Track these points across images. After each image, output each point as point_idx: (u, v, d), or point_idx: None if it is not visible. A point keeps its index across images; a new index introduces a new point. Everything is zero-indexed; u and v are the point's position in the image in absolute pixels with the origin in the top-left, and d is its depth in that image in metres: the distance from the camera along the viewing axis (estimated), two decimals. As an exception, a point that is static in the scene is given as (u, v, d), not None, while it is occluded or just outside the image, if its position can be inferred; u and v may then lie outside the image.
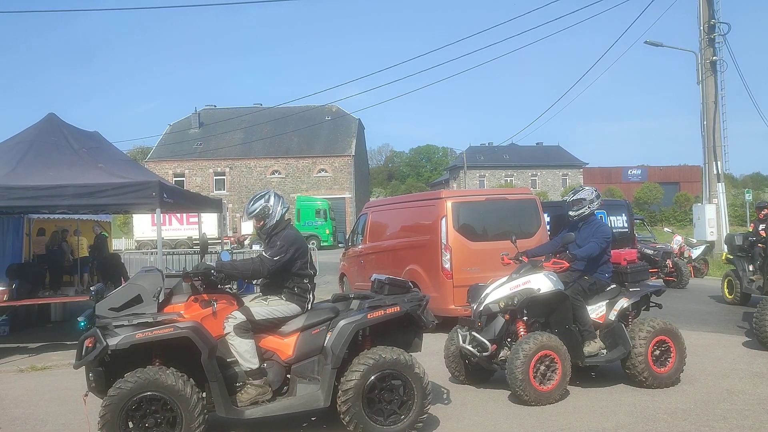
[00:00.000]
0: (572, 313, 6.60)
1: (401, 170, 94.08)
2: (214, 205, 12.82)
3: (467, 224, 10.25)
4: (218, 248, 15.76)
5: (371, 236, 12.64)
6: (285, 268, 5.38)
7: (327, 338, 5.27)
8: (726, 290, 12.96)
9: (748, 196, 32.53)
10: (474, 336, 6.52)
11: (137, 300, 5.04)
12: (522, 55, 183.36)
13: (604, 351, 6.70)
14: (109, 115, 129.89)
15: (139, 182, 8.89)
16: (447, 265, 9.96)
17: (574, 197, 7.11)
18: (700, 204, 22.78)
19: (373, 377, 5.13)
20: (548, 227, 12.50)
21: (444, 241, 10.02)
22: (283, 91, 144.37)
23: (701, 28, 20.89)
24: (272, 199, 5.57)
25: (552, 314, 6.64)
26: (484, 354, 6.45)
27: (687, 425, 5.49)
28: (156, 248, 11.80)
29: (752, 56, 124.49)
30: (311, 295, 5.57)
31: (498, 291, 6.57)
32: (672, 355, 6.71)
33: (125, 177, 9.17)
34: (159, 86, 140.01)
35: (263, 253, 5.34)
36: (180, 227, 40.10)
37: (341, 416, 5.12)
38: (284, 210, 5.59)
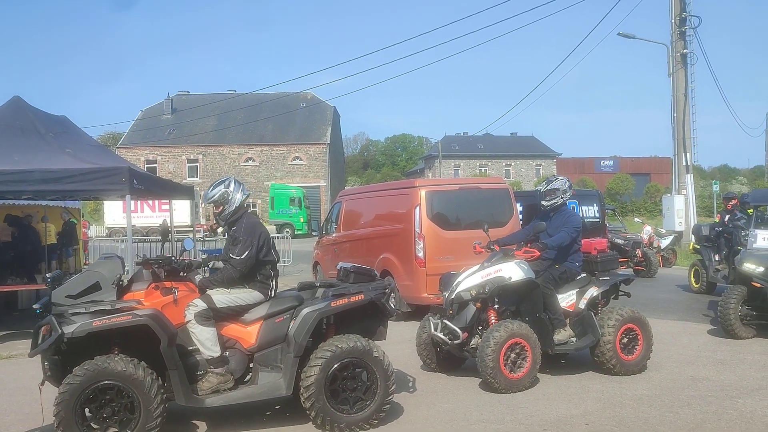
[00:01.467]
0: (543, 301, 6.67)
1: (377, 159, 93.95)
2: (186, 192, 12.68)
3: (441, 213, 10.28)
4: (190, 236, 15.60)
5: (345, 225, 12.61)
6: (256, 260, 5.35)
7: (290, 326, 5.24)
8: (693, 279, 13.22)
9: (716, 188, 33.17)
10: (445, 324, 6.55)
11: (96, 287, 4.95)
12: (497, 46, 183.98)
13: (574, 339, 6.78)
14: (79, 99, 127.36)
15: (108, 168, 8.74)
16: (420, 254, 9.98)
17: (548, 187, 7.14)
18: (669, 195, 23.17)
19: (335, 366, 5.11)
20: (521, 216, 12.62)
21: (417, 229, 10.04)
22: (257, 77, 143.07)
23: (673, 20, 21.15)
24: (232, 185, 5.53)
25: (523, 302, 6.70)
26: (456, 342, 6.49)
27: (653, 411, 5.60)
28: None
29: (721, 50, 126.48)
30: (274, 282, 5.52)
31: (470, 279, 6.59)
32: (639, 343, 6.82)
33: (94, 162, 9.01)
34: (131, 71, 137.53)
35: (231, 256, 5.26)
36: (152, 214, 39.52)
37: (304, 405, 5.11)
38: (244, 197, 5.56)
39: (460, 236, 9.87)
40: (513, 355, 6.22)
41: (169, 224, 6.49)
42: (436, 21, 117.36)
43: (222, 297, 5.21)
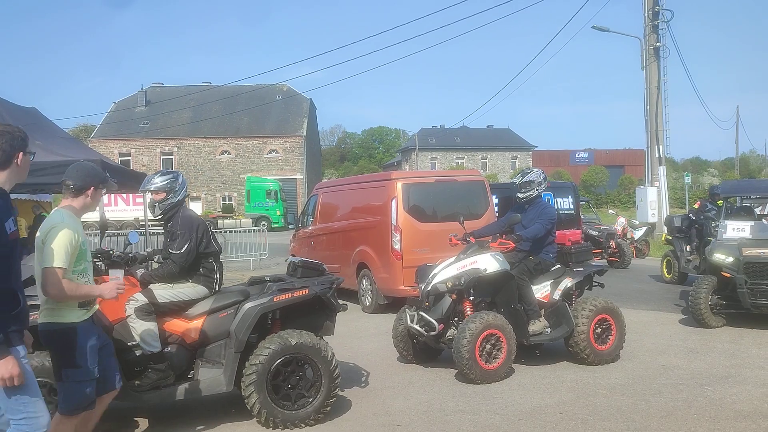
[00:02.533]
0: (518, 292, 6.73)
1: (354, 151, 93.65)
2: (160, 185, 12.51)
3: (417, 205, 10.31)
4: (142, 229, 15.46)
5: (321, 217, 12.59)
6: (197, 253, 5.25)
7: (233, 322, 5.17)
8: (665, 270, 13.44)
9: (688, 180, 33.67)
10: (422, 316, 6.57)
11: (30, 281, 4.85)
12: (473, 38, 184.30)
13: (548, 329, 6.85)
14: (50, 91, 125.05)
15: (79, 161, 8.59)
16: (397, 246, 10.00)
17: (524, 179, 7.17)
18: (642, 187, 23.49)
19: (277, 362, 5.03)
20: (496, 209, 12.70)
21: (394, 222, 10.06)
22: (232, 69, 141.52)
23: (646, 14, 21.40)
24: (180, 178, 5.50)
25: (498, 294, 6.75)
26: (432, 333, 6.52)
27: (625, 399, 5.69)
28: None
29: (693, 43, 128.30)
30: (218, 275, 5.39)
31: (445, 271, 6.61)
32: (612, 332, 6.92)
33: (65, 155, 8.83)
34: (103, 63, 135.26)
35: (170, 251, 5.18)
36: (126, 208, 39.08)
37: (245, 401, 5.04)
38: (186, 195, 5.52)
39: (436, 228, 9.91)
40: (488, 346, 6.26)
41: (107, 218, 6.42)
42: (412, 13, 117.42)
43: (164, 292, 5.10)
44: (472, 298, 6.67)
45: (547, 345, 7.21)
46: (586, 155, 67.72)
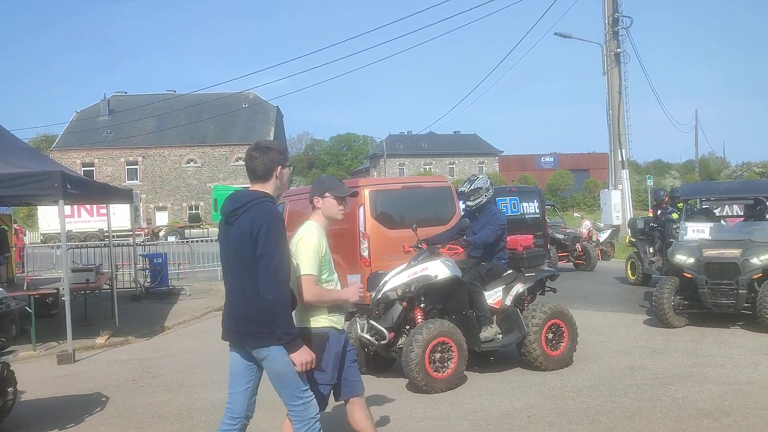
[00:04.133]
0: (469, 298, 6.64)
1: (322, 158, 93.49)
2: (124, 195, 12.32)
3: (384, 212, 10.31)
4: (130, 240, 15.20)
5: (289, 225, 12.36)
6: None
7: None
8: (629, 272, 13.67)
9: (650, 182, 34.34)
10: (371, 324, 6.42)
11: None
12: (438, 45, 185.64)
13: (500, 336, 6.77)
14: (7, 101, 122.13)
15: (39, 172, 8.40)
16: (365, 253, 9.98)
17: (471, 187, 7.10)
18: (606, 190, 23.90)
19: None
20: (463, 214, 12.77)
21: (362, 229, 10.04)
22: (197, 77, 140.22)
23: (606, 21, 21.83)
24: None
25: (449, 301, 6.66)
26: (382, 342, 6.39)
27: (592, 401, 5.76)
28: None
29: (653, 49, 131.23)
30: None
31: (396, 278, 6.49)
32: (564, 337, 6.90)
33: (23, 167, 8.64)
34: (64, 71, 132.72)
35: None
36: (90, 219, 38.37)
37: None
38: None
39: (404, 235, 9.85)
40: (438, 355, 6.19)
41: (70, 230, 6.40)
42: (378, 21, 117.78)
43: None
44: (423, 305, 6.56)
45: (501, 351, 7.19)
46: (552, 159, 68.66)
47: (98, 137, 52.79)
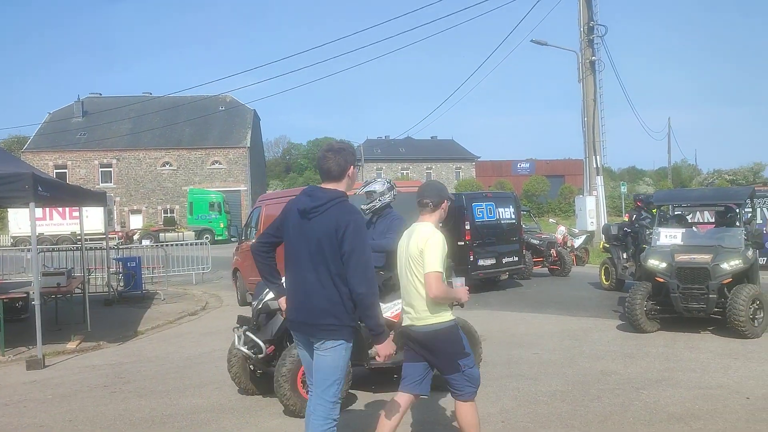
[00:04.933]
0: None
1: (299, 162, 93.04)
2: (97, 198, 12.15)
3: None
4: (103, 244, 14.99)
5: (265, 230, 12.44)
6: None
7: None
8: (603, 277, 13.82)
9: (624, 189, 34.86)
10: (248, 336, 5.89)
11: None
12: (416, 50, 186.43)
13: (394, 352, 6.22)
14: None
15: (8, 174, 8.25)
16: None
17: (365, 189, 6.63)
18: (581, 196, 24.16)
19: None
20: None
21: None
22: (174, 79, 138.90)
23: (581, 29, 22.09)
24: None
25: None
26: (260, 356, 5.85)
27: (565, 406, 5.81)
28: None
29: (627, 58, 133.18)
30: None
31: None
32: None
33: (-6, 169, 8.48)
34: (36, 71, 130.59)
35: None
36: (62, 222, 37.82)
37: None
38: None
39: (380, 240, 9.91)
40: None
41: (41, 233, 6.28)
42: (356, 25, 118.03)
43: None
44: None
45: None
46: (528, 165, 69.21)
47: (71, 139, 51.95)
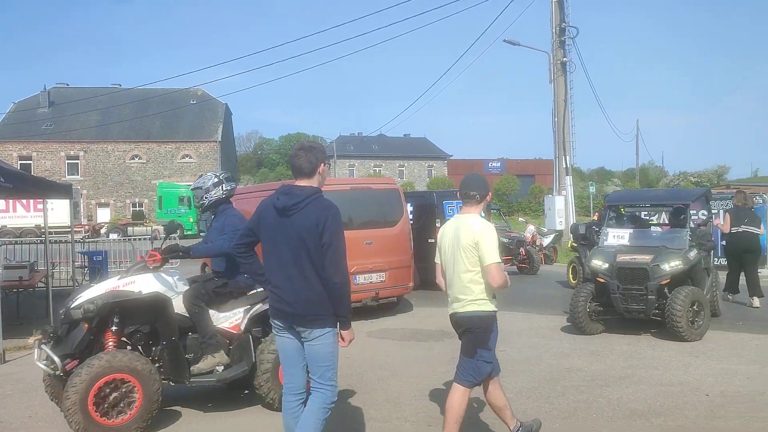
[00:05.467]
0: (196, 320, 5.54)
1: (271, 158, 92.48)
2: (62, 190, 11.90)
3: None
4: (68, 237, 14.71)
5: (234, 225, 12.33)
6: None
7: None
8: (571, 276, 14.00)
9: (592, 189, 35.32)
10: (42, 350, 5.26)
11: None
12: (390, 47, 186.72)
13: (221, 367, 5.60)
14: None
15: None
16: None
17: (192, 186, 6.21)
18: (551, 195, 24.43)
19: None
20: (411, 216, 12.87)
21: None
22: (144, 71, 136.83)
23: (553, 30, 22.31)
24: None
25: (158, 322, 5.55)
26: (58, 372, 5.17)
27: (531, 402, 5.88)
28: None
29: (598, 60, 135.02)
30: None
31: (89, 292, 5.39)
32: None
33: (-46, 159, 8.26)
34: (0, 59, 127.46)
35: None
36: (26, 214, 36.98)
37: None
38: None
39: (351, 236, 9.76)
40: (114, 395, 5.01)
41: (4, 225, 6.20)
42: (330, 20, 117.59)
43: None
44: (115, 328, 5.35)
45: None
46: (499, 165, 69.73)
47: (37, 130, 50.86)
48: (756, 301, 10.81)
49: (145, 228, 37.33)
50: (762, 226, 11.52)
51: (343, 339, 3.99)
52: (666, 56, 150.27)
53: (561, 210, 22.72)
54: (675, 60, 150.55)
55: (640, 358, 7.48)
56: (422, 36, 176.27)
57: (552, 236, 19.86)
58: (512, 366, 7.21)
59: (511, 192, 57.19)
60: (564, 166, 22.86)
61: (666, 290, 8.50)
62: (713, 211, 16.58)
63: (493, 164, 69.86)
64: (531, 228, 19.18)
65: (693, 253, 8.84)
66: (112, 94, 50.63)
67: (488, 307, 4.49)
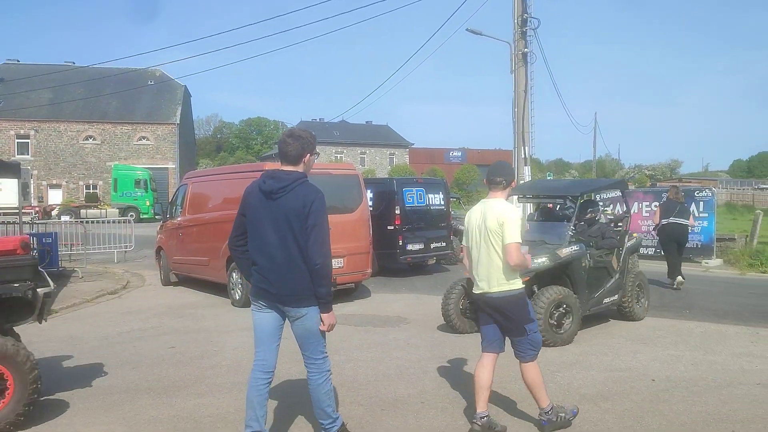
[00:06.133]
0: None
1: (230, 142, 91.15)
2: (9, 169, 11.48)
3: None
4: (17, 218, 14.25)
5: (191, 208, 12.15)
6: None
7: None
8: (526, 264, 14.11)
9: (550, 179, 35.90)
10: None
11: None
12: (354, 33, 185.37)
13: None
14: None
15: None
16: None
17: None
18: (509, 185, 24.67)
19: None
20: (371, 203, 12.86)
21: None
22: (99, 50, 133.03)
23: (515, 20, 22.41)
24: None
25: None
26: None
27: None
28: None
29: (558, 52, 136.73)
30: None
31: None
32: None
33: None
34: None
35: None
36: (-28, 194, 35.68)
37: None
38: None
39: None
40: None
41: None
42: (293, 3, 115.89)
43: None
44: None
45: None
46: (460, 154, 70.21)
47: (-15, 107, 49.12)
48: (678, 279, 11.88)
49: (99, 210, 36.39)
50: (692, 217, 12.61)
51: (323, 323, 4.10)
52: (624, 51, 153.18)
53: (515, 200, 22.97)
54: (633, 55, 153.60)
55: (591, 345, 7.64)
56: (386, 23, 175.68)
57: (509, 225, 20.09)
58: (466, 351, 7.29)
59: (471, 181, 57.71)
60: (523, 156, 23.07)
61: (535, 288, 7.76)
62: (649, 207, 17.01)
63: (454, 153, 70.30)
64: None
65: (567, 250, 7.96)
66: (65, 72, 49.01)
67: (516, 285, 4.75)
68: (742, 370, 6.62)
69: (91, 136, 50.66)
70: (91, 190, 49.48)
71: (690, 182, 47.58)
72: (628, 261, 9.22)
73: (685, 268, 15.71)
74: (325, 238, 4.02)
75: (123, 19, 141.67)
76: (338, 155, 69.65)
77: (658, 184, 42.89)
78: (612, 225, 9.64)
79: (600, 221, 9.23)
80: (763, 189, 58.22)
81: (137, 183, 41.20)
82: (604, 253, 8.71)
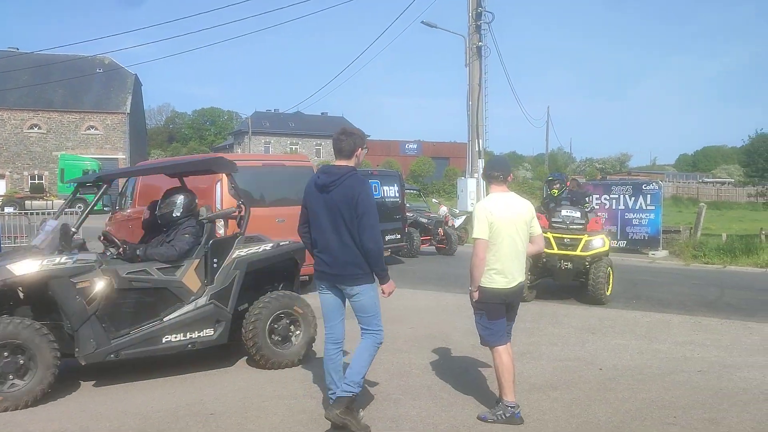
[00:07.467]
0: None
1: (183, 132, 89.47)
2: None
3: (243, 189, 10.02)
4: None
5: (141, 200, 11.87)
6: None
7: None
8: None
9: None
10: None
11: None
12: (309, 23, 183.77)
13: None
14: None
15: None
16: (221, 231, 9.66)
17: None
18: (463, 178, 24.94)
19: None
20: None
21: (219, 206, 9.74)
22: (45, 35, 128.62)
23: (470, 14, 22.62)
24: None
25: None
26: None
27: (435, 379, 6.03)
28: None
29: (512, 47, 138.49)
30: None
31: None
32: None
33: None
34: None
35: None
36: None
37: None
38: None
39: (263, 213, 9.72)
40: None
41: None
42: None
43: None
44: None
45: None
46: (415, 146, 70.51)
47: None
48: None
49: (44, 201, 35.27)
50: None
51: (383, 292, 4.74)
52: (577, 46, 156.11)
53: (473, 192, 23.24)
54: (585, 50, 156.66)
55: (541, 335, 7.80)
56: (342, 13, 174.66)
57: (463, 217, 20.25)
58: (418, 343, 7.36)
59: (426, 174, 58.03)
60: (477, 149, 23.34)
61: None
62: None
63: (410, 146, 70.55)
64: (443, 209, 19.51)
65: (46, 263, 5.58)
66: (8, 58, 47.26)
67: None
68: (684, 357, 6.85)
69: (36, 125, 49.07)
70: (37, 181, 47.95)
71: (639, 175, 48.94)
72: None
73: (633, 259, 16.23)
74: (375, 224, 4.52)
75: (71, 3, 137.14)
76: (293, 146, 69.16)
77: (608, 177, 43.93)
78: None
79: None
80: (707, 183, 60.29)
81: (85, 173, 40.06)
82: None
